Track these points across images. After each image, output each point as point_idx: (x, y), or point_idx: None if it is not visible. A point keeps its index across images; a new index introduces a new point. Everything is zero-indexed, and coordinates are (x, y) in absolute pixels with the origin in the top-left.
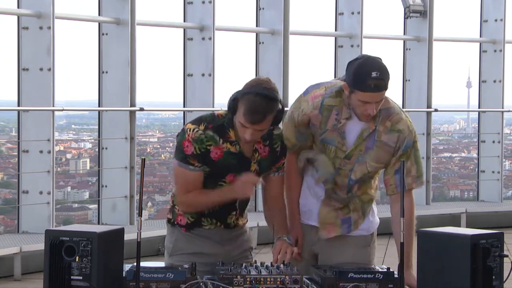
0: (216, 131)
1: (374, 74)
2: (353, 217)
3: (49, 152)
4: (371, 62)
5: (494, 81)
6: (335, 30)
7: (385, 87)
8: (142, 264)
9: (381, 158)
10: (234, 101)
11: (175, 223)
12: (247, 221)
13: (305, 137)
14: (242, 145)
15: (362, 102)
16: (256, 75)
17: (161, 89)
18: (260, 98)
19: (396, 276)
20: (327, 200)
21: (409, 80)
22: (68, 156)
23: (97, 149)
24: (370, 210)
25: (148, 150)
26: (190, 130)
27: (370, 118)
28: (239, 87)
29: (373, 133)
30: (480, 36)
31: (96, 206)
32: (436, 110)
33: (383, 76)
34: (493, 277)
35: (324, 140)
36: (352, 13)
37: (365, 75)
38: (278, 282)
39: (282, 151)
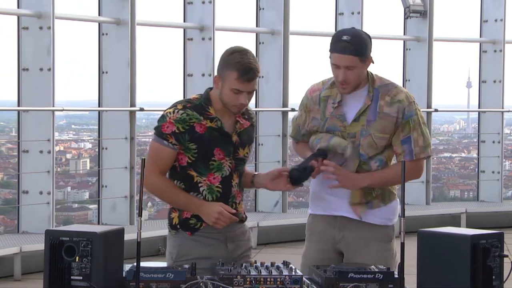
0: (195, 110)
1: (344, 37)
2: (374, 203)
3: (49, 152)
4: (350, 29)
5: (494, 81)
6: (335, 30)
7: (353, 52)
8: (142, 264)
9: (385, 128)
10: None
11: (178, 225)
12: (245, 215)
13: (302, 135)
14: (223, 119)
15: (334, 66)
16: None
17: (161, 89)
18: (248, 57)
19: (396, 276)
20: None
21: (409, 80)
22: (68, 156)
23: (97, 149)
24: (391, 199)
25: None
26: (170, 113)
27: (348, 88)
28: None
29: (372, 108)
30: (480, 36)
31: (96, 206)
32: (436, 110)
33: (353, 41)
34: (493, 277)
35: (328, 129)
36: (352, 13)
37: (337, 36)
38: (278, 282)
39: (255, 127)
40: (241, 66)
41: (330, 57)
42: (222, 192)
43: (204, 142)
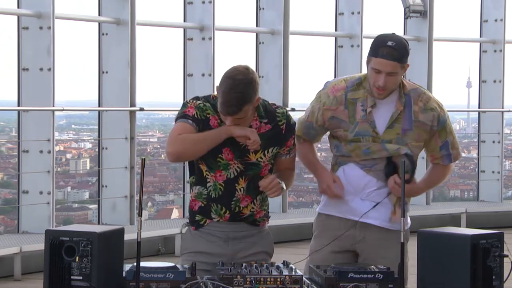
0: (211, 107)
1: (389, 43)
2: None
3: (49, 152)
4: (392, 35)
5: (494, 81)
6: (335, 30)
7: (397, 59)
8: (142, 264)
9: (421, 137)
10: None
11: (188, 220)
12: (263, 218)
13: (314, 135)
14: None
15: (374, 71)
16: None
17: (161, 89)
18: (233, 92)
19: (396, 276)
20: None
21: (409, 80)
22: (68, 156)
23: (97, 149)
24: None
25: (148, 150)
26: (191, 101)
27: (385, 93)
28: None
29: (406, 114)
30: (480, 36)
31: (96, 206)
32: None
33: (398, 47)
34: (493, 277)
35: (358, 134)
36: (352, 13)
37: (381, 42)
38: (278, 282)
39: (288, 130)
40: (223, 100)
41: (369, 61)
42: (224, 191)
43: None
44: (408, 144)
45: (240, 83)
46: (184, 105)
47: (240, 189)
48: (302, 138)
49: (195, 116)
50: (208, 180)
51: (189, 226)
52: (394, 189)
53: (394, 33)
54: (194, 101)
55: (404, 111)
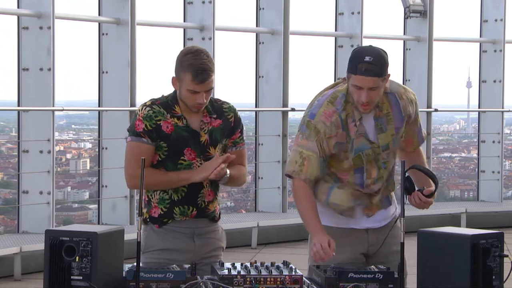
0: (162, 107)
1: (367, 58)
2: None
3: (49, 152)
4: (368, 48)
5: (494, 81)
6: (335, 30)
7: (377, 74)
8: (142, 264)
9: (412, 130)
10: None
11: (148, 219)
12: (219, 214)
13: (327, 163)
14: (189, 118)
15: (355, 87)
16: (256, 75)
17: (161, 89)
18: (199, 59)
19: (396, 276)
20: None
21: (409, 80)
22: (68, 156)
23: (97, 149)
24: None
25: None
26: (139, 110)
27: (370, 108)
28: (239, 87)
29: (396, 112)
30: (480, 36)
31: (96, 206)
32: (436, 110)
33: (376, 62)
34: (493, 277)
35: (358, 150)
36: (352, 13)
37: (358, 58)
38: (278, 282)
39: (236, 123)
40: (194, 68)
41: (349, 78)
42: (188, 191)
43: (173, 141)
44: (399, 141)
45: (199, 52)
46: (135, 115)
47: (206, 185)
48: (313, 177)
49: (145, 129)
50: None
51: (149, 224)
52: (420, 205)
53: (371, 46)
54: (142, 111)
55: (393, 110)
